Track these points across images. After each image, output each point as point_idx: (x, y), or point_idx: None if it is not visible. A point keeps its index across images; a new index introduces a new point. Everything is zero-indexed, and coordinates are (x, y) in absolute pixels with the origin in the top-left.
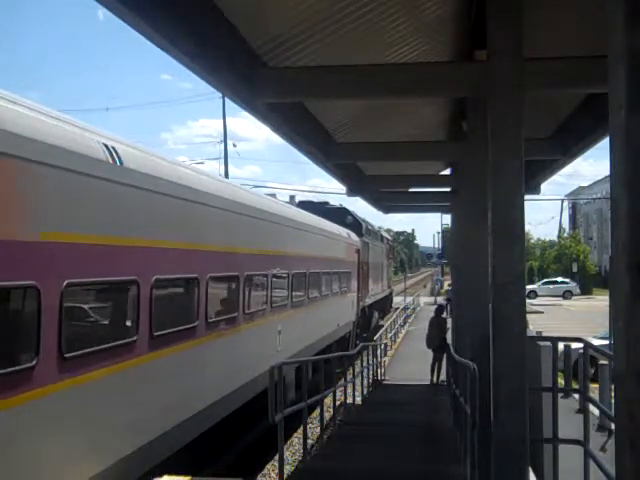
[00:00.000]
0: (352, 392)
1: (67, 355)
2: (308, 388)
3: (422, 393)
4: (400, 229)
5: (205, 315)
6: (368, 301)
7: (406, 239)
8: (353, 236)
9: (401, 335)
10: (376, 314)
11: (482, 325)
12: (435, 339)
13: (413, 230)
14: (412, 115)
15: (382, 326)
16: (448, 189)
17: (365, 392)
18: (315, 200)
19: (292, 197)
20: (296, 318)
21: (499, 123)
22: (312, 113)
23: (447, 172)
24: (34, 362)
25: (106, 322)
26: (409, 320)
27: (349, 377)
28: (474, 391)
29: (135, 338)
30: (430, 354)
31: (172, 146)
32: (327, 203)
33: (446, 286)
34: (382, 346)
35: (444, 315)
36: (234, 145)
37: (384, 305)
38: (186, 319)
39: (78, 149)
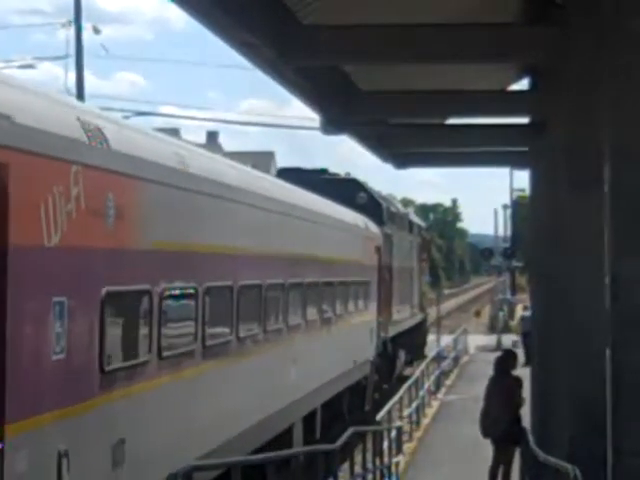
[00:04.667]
0: None
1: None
2: None
3: None
4: (429, 198)
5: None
6: (392, 331)
7: (441, 219)
8: (371, 226)
9: (430, 410)
10: (402, 355)
11: (593, 389)
12: (499, 419)
13: (455, 201)
14: None
15: (409, 377)
16: (524, 120)
17: None
18: (305, 168)
19: (212, 134)
20: (311, 346)
21: None
22: None
23: (522, 86)
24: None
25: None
26: (447, 380)
27: None
28: None
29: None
30: (489, 448)
31: None
32: (325, 171)
33: (519, 311)
34: (392, 433)
35: (516, 371)
36: (95, 32)
37: (415, 340)
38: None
39: (167, 163)
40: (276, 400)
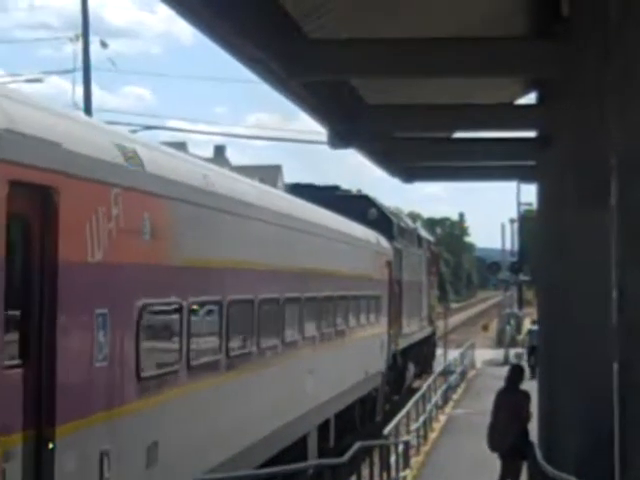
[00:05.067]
0: None
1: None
2: None
3: None
4: (435, 211)
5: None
6: (402, 343)
7: (449, 234)
8: (382, 241)
9: (438, 425)
10: (412, 367)
11: (600, 404)
12: (507, 433)
13: (462, 215)
14: None
15: (418, 389)
16: (531, 134)
17: None
18: (318, 184)
19: (219, 148)
20: (328, 357)
21: None
22: None
23: (529, 100)
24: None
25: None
26: (454, 395)
27: None
28: None
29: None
30: (496, 462)
31: None
32: (337, 188)
33: (527, 325)
34: (400, 447)
35: (523, 385)
36: (103, 46)
37: (424, 353)
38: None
39: (194, 183)
40: (294, 408)
